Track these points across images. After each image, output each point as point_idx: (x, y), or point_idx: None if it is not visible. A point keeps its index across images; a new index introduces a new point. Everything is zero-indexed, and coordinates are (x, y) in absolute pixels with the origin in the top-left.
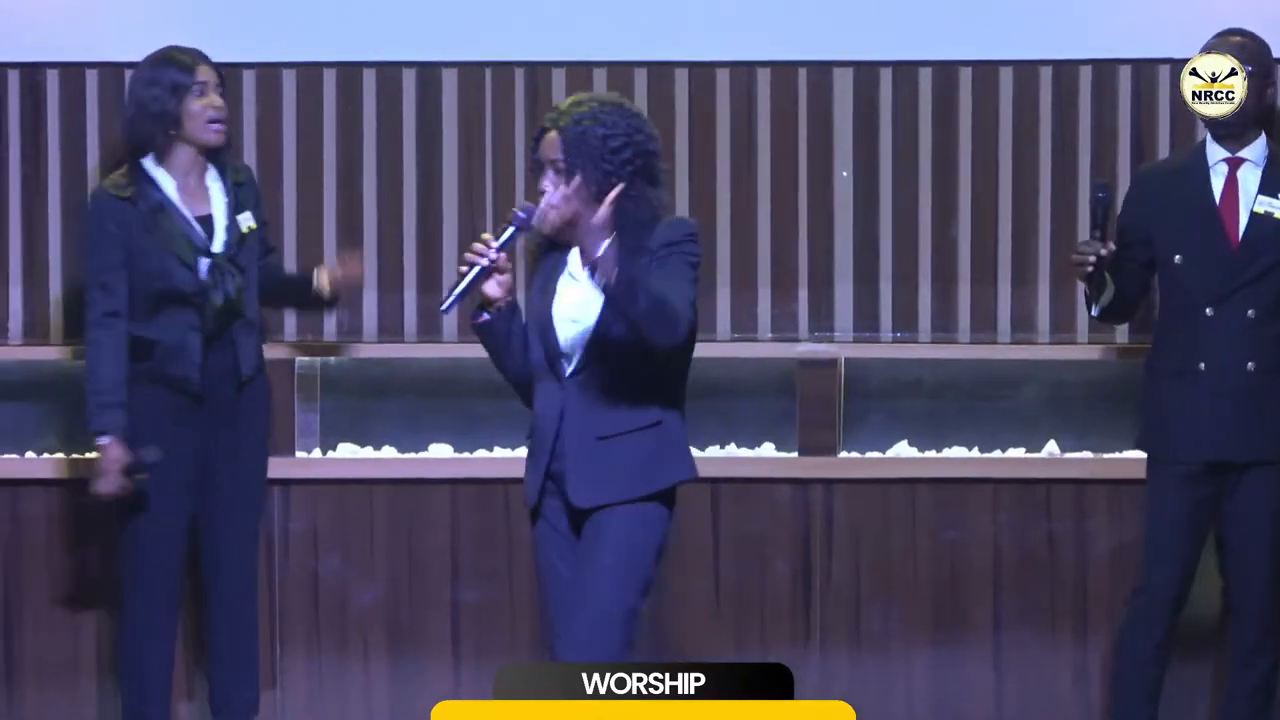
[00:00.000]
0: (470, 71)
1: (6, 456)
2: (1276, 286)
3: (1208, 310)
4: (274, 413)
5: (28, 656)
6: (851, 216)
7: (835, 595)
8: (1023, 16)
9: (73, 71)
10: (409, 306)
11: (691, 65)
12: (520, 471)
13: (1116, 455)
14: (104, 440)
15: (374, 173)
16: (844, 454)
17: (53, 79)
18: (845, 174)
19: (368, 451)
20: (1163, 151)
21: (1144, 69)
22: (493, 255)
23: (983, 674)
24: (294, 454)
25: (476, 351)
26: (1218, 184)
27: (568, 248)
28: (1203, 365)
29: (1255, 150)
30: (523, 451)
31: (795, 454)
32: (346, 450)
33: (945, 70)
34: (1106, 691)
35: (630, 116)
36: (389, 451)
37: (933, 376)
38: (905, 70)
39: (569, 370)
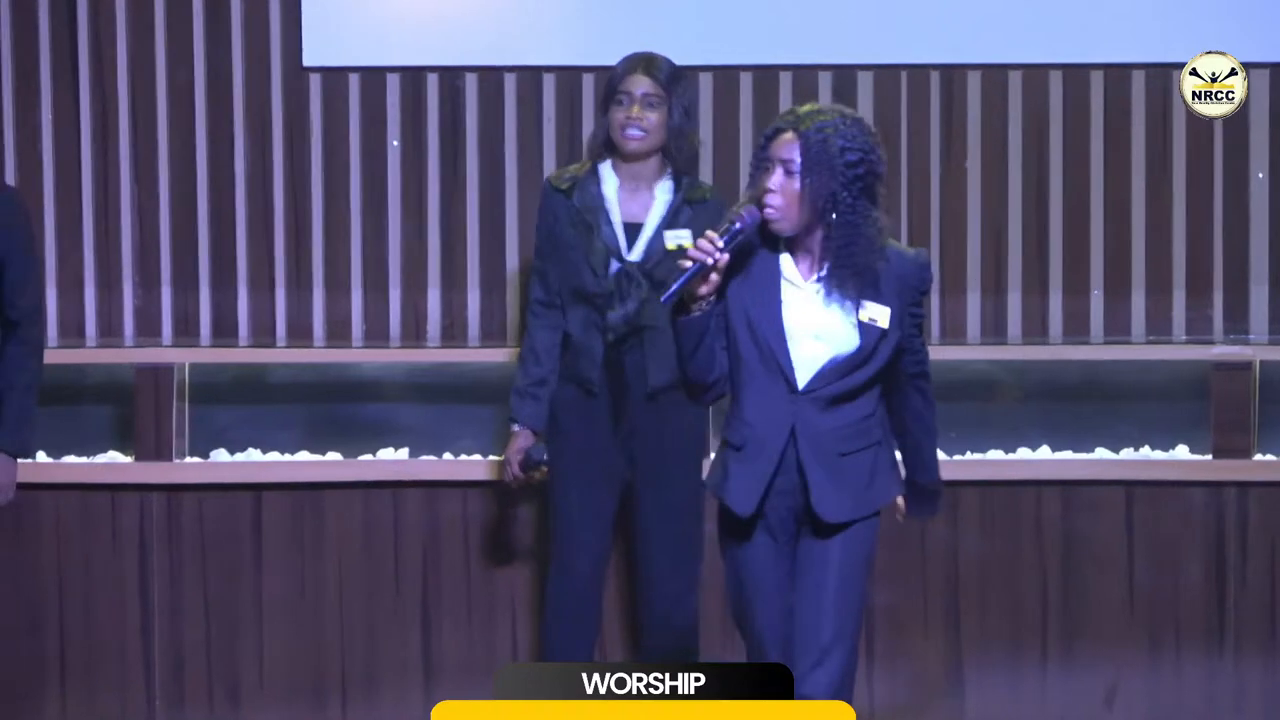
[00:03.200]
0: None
1: (425, 459)
2: None
3: None
4: None
5: (446, 659)
6: (1267, 219)
7: (1250, 599)
8: None
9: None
10: None
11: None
12: None
13: None
14: (514, 429)
15: None
16: (1259, 457)
17: (471, 82)
18: (1261, 175)
19: None
20: None
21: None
22: (718, 254)
23: None
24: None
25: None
26: None
27: (774, 247)
28: None
29: None
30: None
31: (1209, 457)
32: None
33: None
34: None
35: (869, 134)
36: None
37: None
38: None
39: (804, 384)
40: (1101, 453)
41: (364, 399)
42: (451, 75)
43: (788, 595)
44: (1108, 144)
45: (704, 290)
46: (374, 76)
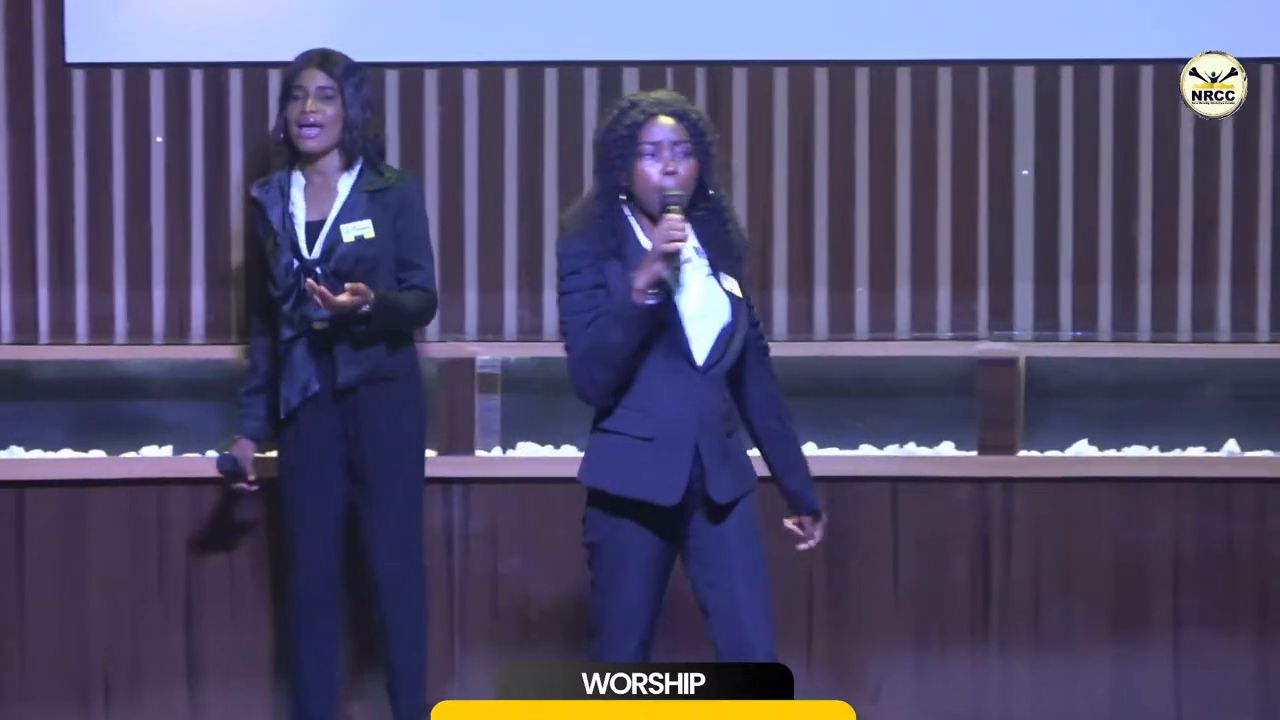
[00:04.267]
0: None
1: (189, 456)
2: None
3: None
4: (454, 412)
5: (209, 655)
6: (1032, 216)
7: (1014, 594)
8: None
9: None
10: None
11: (874, 63)
12: None
13: None
14: (236, 438)
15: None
16: (1023, 453)
17: (235, 79)
18: (1026, 173)
19: (548, 450)
20: None
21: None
22: (685, 234)
23: (1162, 674)
24: (474, 452)
25: None
26: None
27: (634, 234)
28: None
29: None
30: None
31: (974, 453)
32: (527, 449)
33: (1127, 69)
34: None
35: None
36: (569, 450)
37: (1114, 375)
38: (1085, 68)
39: (703, 362)
40: (866, 449)
41: (128, 396)
42: (216, 72)
43: (659, 582)
44: (872, 141)
45: (665, 273)
46: (138, 73)
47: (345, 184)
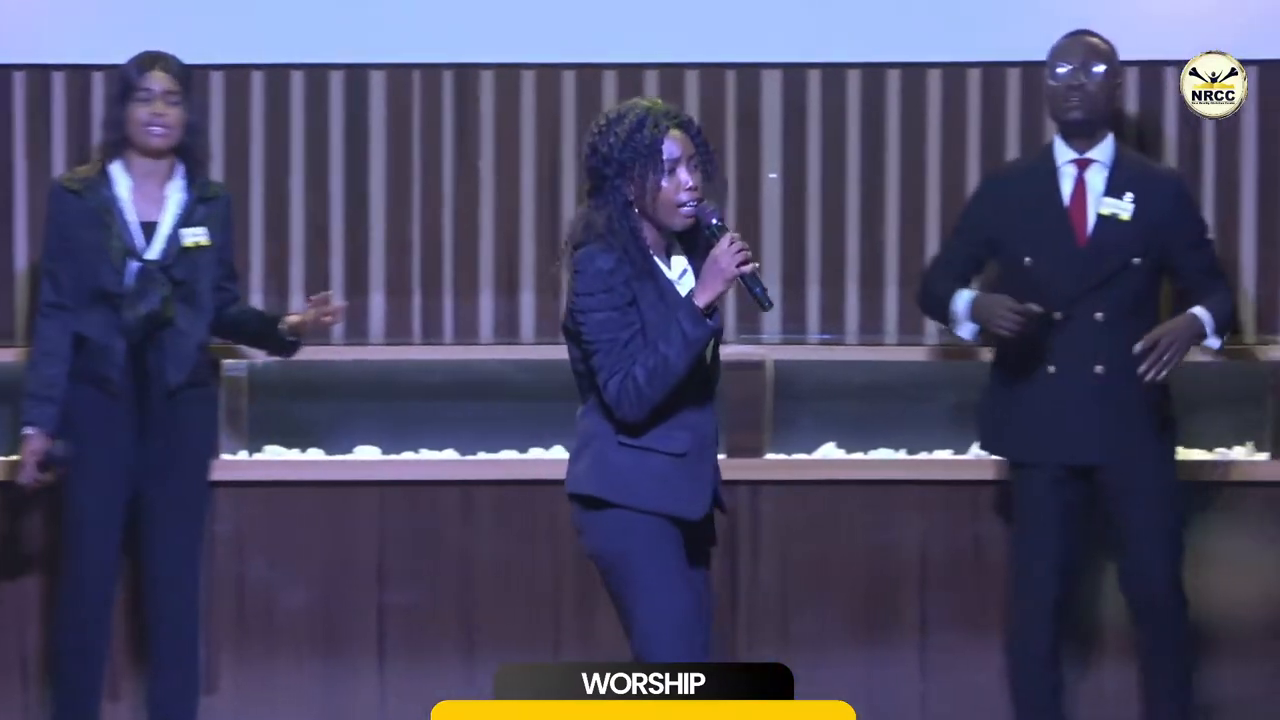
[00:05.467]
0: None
1: None
2: (1124, 290)
3: (1057, 314)
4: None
5: None
6: (780, 218)
7: (762, 597)
8: (953, 20)
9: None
10: None
11: (620, 67)
12: (444, 474)
13: None
14: (27, 432)
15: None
16: (770, 456)
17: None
18: (773, 176)
19: (294, 454)
20: None
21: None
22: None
23: (909, 675)
24: (220, 456)
25: (406, 354)
26: (1066, 185)
27: (649, 251)
28: (1053, 368)
29: (1104, 151)
30: (450, 453)
31: (723, 455)
32: (274, 452)
33: (873, 73)
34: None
35: None
36: (315, 454)
37: (861, 378)
38: (833, 73)
39: (713, 381)
40: None
41: None
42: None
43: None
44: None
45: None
46: None
47: (176, 188)
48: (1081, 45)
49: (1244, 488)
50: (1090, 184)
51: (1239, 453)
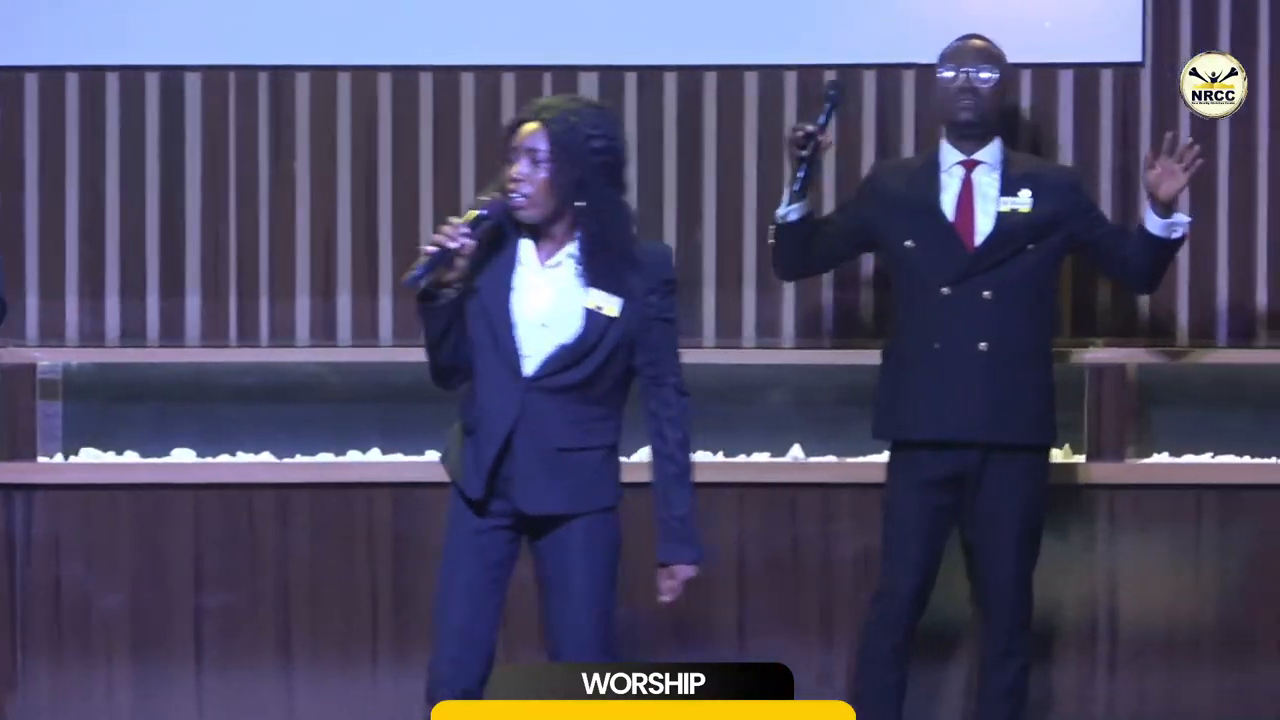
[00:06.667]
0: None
1: None
2: (1014, 271)
3: (944, 290)
4: (16, 418)
5: None
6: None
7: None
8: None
9: None
10: (151, 311)
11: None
12: (260, 477)
13: (862, 459)
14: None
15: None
16: None
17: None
18: None
19: (110, 456)
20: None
21: (888, 74)
22: (461, 240)
23: None
24: (36, 459)
25: (221, 356)
26: (953, 185)
27: (517, 237)
28: (938, 344)
29: (991, 153)
30: (267, 456)
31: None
32: (89, 455)
33: (691, 75)
34: (849, 695)
35: (615, 123)
36: (131, 456)
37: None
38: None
39: (531, 373)
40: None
41: None
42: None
43: (485, 592)
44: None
45: (450, 276)
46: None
47: None
48: (972, 49)
49: (1063, 490)
50: (978, 185)
51: (1057, 456)
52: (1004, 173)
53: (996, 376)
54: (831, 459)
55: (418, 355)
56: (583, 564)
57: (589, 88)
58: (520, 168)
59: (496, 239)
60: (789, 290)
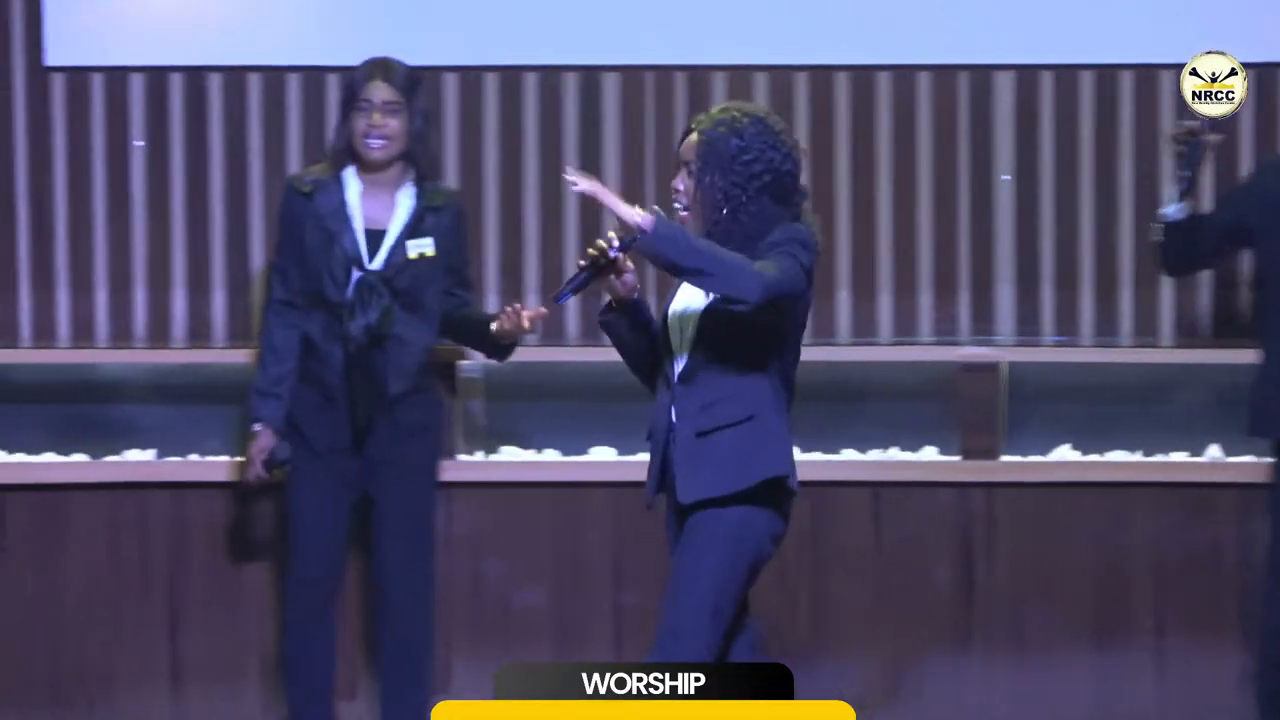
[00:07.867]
0: (632, 75)
1: (171, 460)
2: None
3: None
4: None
5: (193, 659)
6: (1013, 220)
7: (996, 600)
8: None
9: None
10: (570, 312)
11: (853, 68)
12: None
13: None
14: (255, 428)
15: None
16: (1005, 458)
17: (215, 83)
18: (1006, 178)
19: (530, 454)
20: None
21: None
22: (611, 254)
23: (1145, 680)
24: (455, 457)
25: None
26: None
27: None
28: None
29: None
30: None
31: (957, 458)
32: (509, 453)
33: (1105, 74)
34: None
35: (771, 133)
36: (551, 454)
37: (1095, 380)
38: (1065, 74)
39: (680, 368)
40: (848, 454)
41: (110, 400)
42: (195, 75)
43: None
44: (854, 146)
45: (621, 291)
46: (117, 76)
47: (406, 196)
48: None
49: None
50: None
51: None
52: None
53: None
54: (1250, 459)
55: (835, 354)
56: (688, 556)
57: (760, 90)
58: (680, 179)
59: None
60: (1206, 289)
